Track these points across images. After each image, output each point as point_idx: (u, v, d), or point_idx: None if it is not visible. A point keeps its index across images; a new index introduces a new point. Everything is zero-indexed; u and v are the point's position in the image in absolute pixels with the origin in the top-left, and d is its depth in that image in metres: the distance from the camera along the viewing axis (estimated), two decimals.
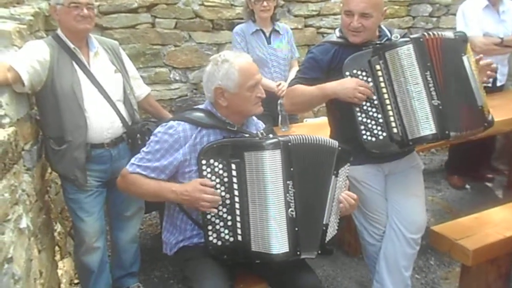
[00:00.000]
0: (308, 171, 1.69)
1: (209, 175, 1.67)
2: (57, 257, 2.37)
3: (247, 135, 1.79)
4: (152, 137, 1.77)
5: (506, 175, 3.78)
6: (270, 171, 1.60)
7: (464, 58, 1.96)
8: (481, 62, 2.02)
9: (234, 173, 1.66)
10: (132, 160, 1.78)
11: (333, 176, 1.74)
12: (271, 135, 1.77)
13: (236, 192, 1.66)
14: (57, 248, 2.37)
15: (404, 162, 2.13)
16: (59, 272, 2.36)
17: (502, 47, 3.33)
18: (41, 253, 1.92)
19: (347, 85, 1.91)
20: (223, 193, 1.67)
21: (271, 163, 1.60)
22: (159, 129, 1.76)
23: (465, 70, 1.94)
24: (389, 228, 2.13)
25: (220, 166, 1.67)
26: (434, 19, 4.55)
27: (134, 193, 1.85)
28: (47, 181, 2.35)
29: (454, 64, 1.95)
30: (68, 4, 2.02)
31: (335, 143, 1.77)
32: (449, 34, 2.00)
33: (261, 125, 1.97)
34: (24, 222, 1.53)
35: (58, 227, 2.49)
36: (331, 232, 1.77)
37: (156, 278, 2.74)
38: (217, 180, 1.67)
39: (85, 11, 2.03)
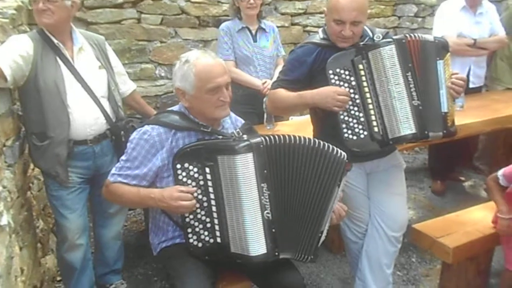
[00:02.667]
0: (289, 171, 1.67)
1: (184, 179, 1.66)
2: (39, 254, 2.34)
3: (220, 137, 1.75)
4: (128, 144, 1.75)
5: (487, 175, 3.84)
6: (243, 175, 1.58)
7: (439, 63, 1.97)
8: (453, 76, 2.01)
9: (208, 176, 1.64)
10: (113, 170, 1.76)
11: (337, 187, 1.71)
12: (244, 136, 1.69)
13: (212, 196, 1.65)
14: (39, 245, 2.35)
15: (386, 161, 2.15)
16: (42, 269, 2.33)
17: (475, 49, 3.35)
18: (23, 250, 1.90)
19: (326, 94, 1.91)
20: (200, 196, 1.66)
21: (243, 167, 1.58)
22: (134, 135, 1.74)
23: (436, 74, 1.97)
24: (371, 226, 2.16)
25: (195, 169, 1.65)
26: (420, 19, 4.60)
27: (118, 202, 1.86)
28: (30, 177, 2.33)
29: (428, 66, 1.97)
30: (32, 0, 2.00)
31: (343, 153, 1.72)
32: (429, 37, 2.02)
33: (240, 122, 1.94)
34: (5, 219, 1.51)
35: (40, 224, 2.46)
36: (323, 238, 1.75)
37: (140, 275, 2.73)
38: (193, 184, 1.66)
39: (40, 5, 1.97)
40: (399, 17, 4.53)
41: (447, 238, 2.29)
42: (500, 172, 2.20)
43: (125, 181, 1.72)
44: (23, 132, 2.13)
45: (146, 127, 1.73)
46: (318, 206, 1.69)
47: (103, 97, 2.17)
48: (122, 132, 2.18)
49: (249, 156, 1.59)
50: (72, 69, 2.06)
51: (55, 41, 2.04)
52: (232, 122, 1.92)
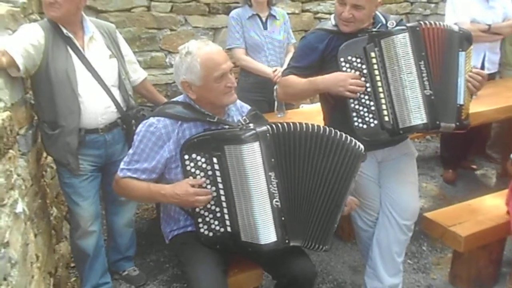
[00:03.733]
0: (297, 158, 1.66)
1: (193, 170, 1.66)
2: (54, 241, 2.38)
3: (227, 127, 1.74)
4: (135, 137, 1.75)
5: (500, 163, 3.81)
6: (250, 164, 1.58)
7: (461, 54, 1.94)
8: (473, 70, 1.99)
9: (216, 166, 1.65)
10: (122, 165, 1.76)
11: (353, 178, 1.72)
12: (251, 125, 1.68)
13: (220, 186, 1.66)
14: (53, 232, 2.38)
15: (398, 149, 2.14)
16: (56, 256, 2.37)
17: (490, 34, 3.29)
18: (37, 237, 1.93)
19: (338, 79, 1.89)
20: (209, 186, 1.67)
21: (250, 156, 1.58)
22: (140, 127, 1.74)
23: (457, 65, 1.93)
24: (382, 214, 2.15)
25: (203, 160, 1.66)
26: (432, 5, 4.52)
27: (129, 197, 1.87)
28: (43, 166, 2.35)
29: (449, 56, 1.93)
30: None
31: (359, 144, 1.72)
32: (455, 27, 1.98)
33: (246, 108, 1.93)
34: (20, 207, 1.53)
35: (54, 211, 2.50)
36: (336, 225, 1.77)
37: (152, 262, 2.76)
38: (202, 174, 1.66)
39: None
40: (412, 3, 4.46)
41: (459, 226, 2.28)
42: None
43: (134, 175, 1.73)
44: (35, 121, 2.15)
45: (152, 119, 1.73)
46: (334, 198, 1.69)
47: (113, 86, 2.17)
48: (133, 121, 2.19)
49: (256, 145, 1.59)
50: (83, 58, 2.07)
51: (65, 31, 2.04)
52: (238, 109, 1.91)
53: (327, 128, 1.71)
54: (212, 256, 1.71)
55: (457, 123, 1.95)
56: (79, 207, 2.19)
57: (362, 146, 1.72)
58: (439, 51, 1.91)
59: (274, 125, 1.65)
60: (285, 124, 1.67)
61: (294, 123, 1.68)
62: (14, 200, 1.50)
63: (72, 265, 2.65)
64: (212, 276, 1.65)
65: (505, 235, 2.39)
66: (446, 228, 2.30)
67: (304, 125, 1.68)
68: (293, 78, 2.02)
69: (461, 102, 1.94)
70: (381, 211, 2.16)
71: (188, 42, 1.75)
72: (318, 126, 1.70)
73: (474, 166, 3.93)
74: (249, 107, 1.94)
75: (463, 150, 3.76)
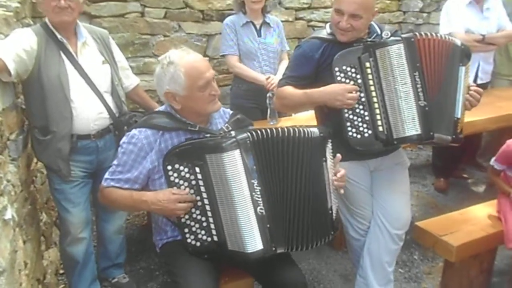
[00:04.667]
0: (278, 164, 1.66)
1: (176, 180, 1.66)
2: (43, 247, 2.36)
3: (208, 135, 1.74)
4: (119, 149, 1.75)
5: (488, 169, 3.83)
6: (232, 172, 1.58)
7: (461, 69, 1.96)
8: (471, 88, 2.02)
9: (199, 176, 1.64)
10: (106, 175, 1.77)
11: (324, 163, 1.74)
12: (232, 133, 1.67)
13: (204, 195, 1.65)
14: (42, 238, 2.35)
15: (390, 158, 2.14)
16: (45, 262, 2.34)
17: (484, 44, 3.32)
18: (26, 243, 1.90)
19: (335, 93, 1.90)
20: (193, 196, 1.66)
21: (231, 164, 1.57)
22: (123, 139, 1.75)
23: (457, 79, 1.95)
24: (374, 223, 2.15)
25: (186, 170, 1.65)
26: (425, 14, 4.57)
27: (112, 206, 1.87)
28: (33, 171, 2.33)
29: (449, 70, 1.95)
30: None
31: (316, 131, 1.73)
32: (457, 40, 1.99)
33: (228, 114, 1.92)
34: (9, 213, 1.51)
35: (43, 217, 2.47)
36: (335, 208, 1.80)
37: (142, 269, 2.74)
38: (186, 184, 1.65)
39: (62, 2, 1.97)
40: (404, 12, 4.50)
41: (451, 236, 2.28)
42: (492, 161, 2.36)
43: (117, 185, 1.73)
44: (26, 126, 2.13)
45: (134, 131, 1.73)
46: (313, 191, 1.71)
47: (106, 92, 2.16)
48: (125, 127, 2.16)
49: (236, 153, 1.58)
50: (75, 64, 2.06)
51: (59, 36, 2.03)
52: (221, 116, 1.90)
53: (295, 129, 1.72)
54: (203, 265, 1.70)
55: (453, 136, 1.96)
56: (69, 213, 2.17)
57: (316, 131, 1.73)
58: (435, 62, 1.92)
59: (254, 132, 1.65)
60: (264, 130, 1.67)
61: (272, 129, 1.69)
62: (3, 207, 1.48)
63: (61, 272, 2.61)
64: (204, 285, 1.64)
65: (497, 245, 2.40)
66: (437, 237, 2.29)
67: (280, 130, 1.69)
68: (290, 90, 2.02)
69: (459, 116, 1.96)
70: (373, 220, 2.16)
71: (168, 52, 1.73)
72: (289, 129, 1.71)
73: (465, 175, 3.95)
74: (231, 112, 1.94)
75: (455, 159, 3.77)
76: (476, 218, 2.44)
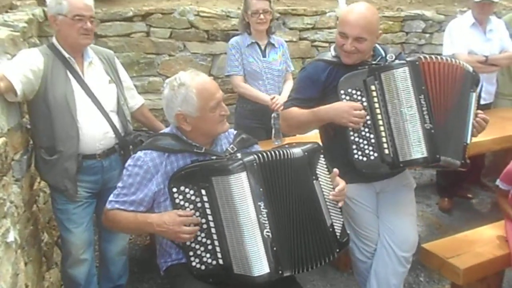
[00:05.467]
0: (283, 187, 1.66)
1: (182, 202, 1.64)
2: (44, 268, 2.32)
3: (214, 157, 1.73)
4: (124, 171, 1.74)
5: (495, 192, 3.80)
6: (238, 195, 1.56)
7: (472, 95, 1.98)
8: (479, 115, 2.04)
9: (205, 198, 1.63)
10: (110, 197, 1.75)
11: (314, 181, 1.73)
12: (238, 155, 1.67)
13: (210, 218, 1.64)
14: (43, 259, 2.32)
15: (396, 180, 2.13)
16: (45, 284, 2.30)
17: (487, 66, 3.34)
18: (28, 265, 1.88)
19: (342, 110, 1.91)
20: (198, 218, 1.64)
21: (238, 187, 1.56)
22: (129, 161, 1.74)
23: (469, 106, 1.97)
24: (381, 246, 2.13)
25: (192, 192, 1.64)
26: (427, 35, 4.60)
27: (117, 229, 1.85)
28: (36, 191, 2.31)
29: (462, 96, 1.97)
30: (72, 16, 1.98)
31: (299, 150, 1.73)
32: (469, 67, 2.01)
33: (232, 134, 1.92)
34: (12, 236, 1.50)
35: (45, 237, 2.44)
36: (339, 225, 1.78)
37: None
38: (191, 206, 1.64)
39: (89, 24, 2.01)
40: (407, 33, 4.53)
41: (457, 259, 2.24)
42: (497, 181, 2.34)
43: (122, 207, 1.71)
44: (31, 145, 2.12)
45: (139, 153, 1.72)
46: (311, 211, 1.71)
47: (112, 111, 2.16)
48: (131, 147, 2.17)
49: (243, 175, 1.58)
50: (82, 83, 2.06)
51: (67, 55, 2.05)
52: (226, 136, 1.89)
53: (290, 151, 1.71)
54: None
55: (462, 161, 1.97)
56: (71, 234, 2.14)
57: (299, 151, 1.72)
58: (442, 85, 1.93)
59: (260, 154, 1.65)
60: (270, 152, 1.67)
61: (278, 151, 1.69)
62: (6, 229, 1.46)
63: None
64: None
65: (504, 267, 2.37)
66: (444, 260, 2.26)
67: (286, 152, 1.69)
68: (296, 110, 2.03)
69: (468, 141, 1.97)
70: (379, 242, 2.14)
71: (177, 74, 1.74)
72: (290, 151, 1.71)
73: (470, 195, 3.92)
74: (235, 132, 1.93)
75: (459, 179, 3.75)
76: (482, 240, 2.41)
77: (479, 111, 2.07)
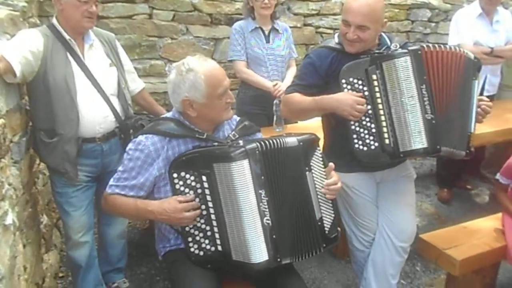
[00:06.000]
0: (281, 176, 1.65)
1: (182, 188, 1.64)
2: (42, 250, 2.33)
3: (216, 143, 1.73)
4: (125, 155, 1.73)
5: (494, 184, 3.81)
6: (240, 182, 1.56)
7: (475, 83, 1.96)
8: (482, 102, 2.02)
9: (206, 184, 1.62)
10: (111, 182, 1.74)
11: (307, 172, 1.71)
12: (240, 142, 1.66)
13: (210, 204, 1.63)
14: (42, 241, 2.33)
15: (397, 170, 2.13)
16: (44, 265, 2.32)
17: (492, 57, 3.31)
18: (26, 247, 1.88)
19: (345, 102, 1.88)
20: (199, 204, 1.64)
21: (239, 175, 1.56)
22: (130, 145, 1.71)
23: (472, 94, 1.95)
24: (379, 235, 2.13)
25: (192, 178, 1.63)
26: (433, 24, 4.55)
27: (116, 214, 1.85)
28: (35, 173, 2.31)
29: (464, 84, 1.94)
30: None
31: (294, 140, 1.70)
32: (471, 55, 1.98)
33: (235, 120, 1.90)
34: (10, 218, 1.50)
35: (44, 219, 2.45)
36: (329, 220, 1.77)
37: (143, 274, 2.71)
38: (191, 192, 1.63)
39: (94, 7, 1.98)
40: (413, 22, 4.48)
41: (454, 250, 2.25)
42: (497, 175, 2.33)
43: (122, 192, 1.70)
44: (30, 127, 2.11)
45: (141, 137, 1.70)
46: (302, 202, 1.70)
47: (112, 94, 2.14)
48: (131, 131, 2.15)
49: (245, 163, 1.57)
50: (82, 66, 2.04)
51: (67, 37, 2.01)
52: (228, 122, 1.88)
53: (291, 139, 1.71)
54: (205, 274, 1.67)
55: (467, 151, 1.96)
56: (70, 216, 2.15)
57: (295, 139, 1.70)
58: (444, 74, 1.90)
59: (263, 142, 1.64)
60: (273, 140, 1.66)
61: (280, 139, 1.68)
62: (4, 212, 1.46)
63: (61, 275, 2.59)
64: None
65: (500, 259, 2.38)
66: (441, 251, 2.27)
67: (281, 141, 1.68)
68: (298, 96, 2.01)
69: (472, 131, 1.96)
70: (378, 232, 2.14)
71: (185, 59, 1.71)
72: (286, 138, 1.70)
73: (469, 186, 3.93)
74: (238, 118, 1.92)
75: (460, 169, 3.76)
76: (480, 232, 2.42)
77: (482, 97, 2.06)
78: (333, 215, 1.80)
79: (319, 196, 1.75)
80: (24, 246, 1.82)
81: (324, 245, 1.74)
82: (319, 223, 1.73)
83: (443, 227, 2.66)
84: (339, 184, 1.80)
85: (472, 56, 1.98)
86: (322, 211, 1.75)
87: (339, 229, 1.82)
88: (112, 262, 2.47)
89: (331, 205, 1.80)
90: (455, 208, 3.59)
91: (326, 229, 1.75)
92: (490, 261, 2.33)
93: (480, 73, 2.02)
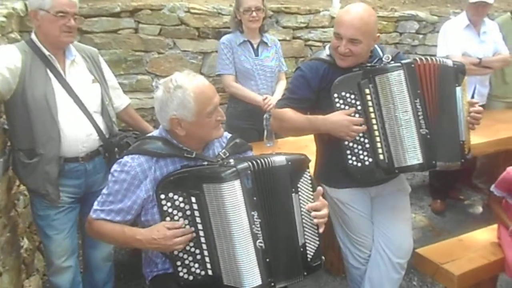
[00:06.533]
0: (271, 196, 1.58)
1: (170, 210, 1.56)
2: (23, 276, 2.22)
3: (205, 163, 1.65)
4: (109, 177, 1.64)
5: (486, 194, 3.80)
6: (231, 204, 1.48)
7: (457, 89, 1.92)
8: (471, 109, 1.98)
9: (195, 206, 1.54)
10: (95, 205, 1.65)
11: (293, 194, 1.63)
12: (231, 161, 1.57)
13: (200, 226, 1.56)
14: (23, 266, 2.22)
15: (391, 185, 2.09)
16: None
17: (481, 68, 3.34)
18: (3, 275, 1.79)
19: (340, 124, 1.85)
20: (187, 227, 1.56)
21: (230, 196, 1.48)
22: (115, 166, 1.63)
23: (455, 101, 1.91)
24: (375, 252, 2.09)
25: (181, 199, 1.55)
26: (421, 36, 4.60)
27: (102, 240, 1.77)
28: (15, 194, 2.21)
29: (446, 93, 1.91)
30: (55, 12, 1.88)
31: (282, 159, 1.62)
32: (449, 61, 1.95)
33: (225, 138, 1.82)
34: None
35: (25, 243, 2.34)
36: (312, 247, 1.68)
37: None
38: (180, 214, 1.56)
39: (72, 22, 1.91)
40: (401, 34, 4.52)
41: (452, 264, 2.22)
42: (492, 187, 2.29)
43: (108, 217, 1.61)
44: (8, 147, 2.02)
45: (126, 158, 1.62)
46: (286, 225, 1.61)
47: (96, 112, 2.07)
48: (116, 149, 2.08)
49: (236, 183, 1.49)
50: (63, 82, 1.96)
51: (47, 53, 1.94)
52: (219, 140, 1.80)
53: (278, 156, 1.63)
54: None
55: (462, 160, 1.93)
56: (52, 240, 2.05)
57: (283, 158, 1.61)
58: (435, 88, 1.88)
59: (255, 161, 1.56)
60: (263, 159, 1.58)
61: (269, 158, 1.60)
62: None
63: None
64: None
65: (498, 272, 2.35)
66: (438, 265, 2.24)
67: (271, 159, 1.60)
68: (290, 113, 1.96)
69: (463, 139, 1.93)
70: (374, 248, 2.10)
71: (173, 75, 1.63)
72: (275, 157, 1.62)
73: (462, 197, 3.93)
74: (229, 135, 1.84)
75: (453, 179, 3.75)
76: (476, 245, 2.40)
77: (472, 100, 2.04)
78: (317, 242, 1.69)
79: (304, 221, 1.65)
80: (0, 274, 1.71)
81: (305, 273, 1.64)
82: (301, 249, 1.63)
83: (438, 239, 2.64)
84: (325, 211, 1.68)
85: (450, 63, 1.94)
86: (306, 237, 1.65)
87: (323, 258, 1.71)
88: (98, 286, 2.35)
89: (316, 231, 1.68)
90: (449, 219, 3.58)
91: (309, 256, 1.65)
92: (488, 274, 2.31)
93: (466, 77, 1.98)
